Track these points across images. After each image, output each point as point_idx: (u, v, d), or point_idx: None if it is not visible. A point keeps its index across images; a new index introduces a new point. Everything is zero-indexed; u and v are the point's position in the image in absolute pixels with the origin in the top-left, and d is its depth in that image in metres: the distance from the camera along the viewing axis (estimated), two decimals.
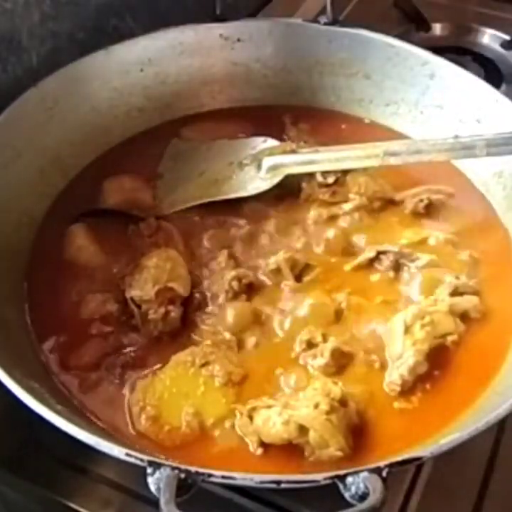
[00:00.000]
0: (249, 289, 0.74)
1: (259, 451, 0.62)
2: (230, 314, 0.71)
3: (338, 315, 0.71)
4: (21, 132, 0.80)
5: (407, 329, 0.67)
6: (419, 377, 0.66)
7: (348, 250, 0.78)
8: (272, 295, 0.74)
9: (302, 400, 0.62)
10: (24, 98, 0.80)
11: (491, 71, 1.07)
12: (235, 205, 0.82)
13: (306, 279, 0.75)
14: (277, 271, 0.75)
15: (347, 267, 0.76)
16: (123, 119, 0.91)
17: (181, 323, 0.71)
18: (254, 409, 0.63)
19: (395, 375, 0.66)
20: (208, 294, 0.74)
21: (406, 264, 0.75)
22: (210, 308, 0.73)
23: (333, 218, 0.81)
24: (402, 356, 0.66)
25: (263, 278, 0.75)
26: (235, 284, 0.73)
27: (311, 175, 0.83)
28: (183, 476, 0.51)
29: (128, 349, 0.70)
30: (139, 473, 0.53)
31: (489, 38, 1.14)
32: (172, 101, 0.94)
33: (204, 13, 0.91)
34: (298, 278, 0.75)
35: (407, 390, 0.66)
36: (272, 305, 0.73)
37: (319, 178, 0.83)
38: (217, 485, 0.61)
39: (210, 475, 0.52)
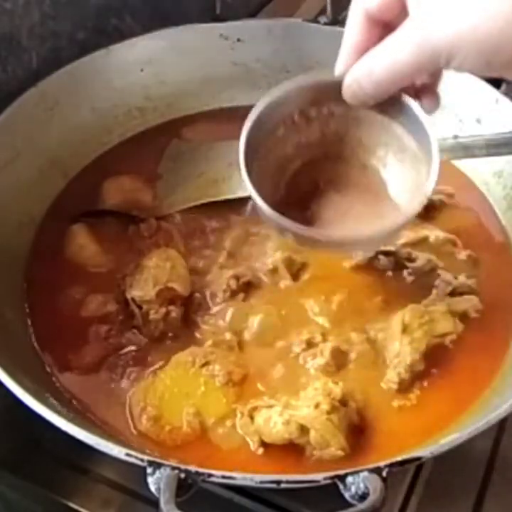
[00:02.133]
0: (248, 288, 0.74)
1: (260, 450, 0.62)
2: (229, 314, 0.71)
3: (337, 314, 0.71)
4: (21, 132, 0.80)
5: (405, 328, 0.67)
6: (417, 376, 0.66)
7: None
8: (270, 294, 0.74)
9: (303, 399, 0.62)
10: (24, 98, 0.80)
11: None
12: (235, 206, 0.82)
13: (304, 278, 0.75)
14: (274, 270, 0.75)
15: (346, 266, 0.76)
16: (123, 119, 0.91)
17: (182, 323, 0.71)
18: (255, 408, 0.63)
19: (393, 373, 0.66)
20: (208, 294, 0.74)
21: (405, 264, 0.75)
22: (210, 308, 0.73)
23: None
24: (400, 355, 0.66)
25: (261, 277, 0.75)
26: (232, 282, 0.73)
27: None
28: (183, 475, 0.51)
29: (128, 349, 0.70)
30: (139, 473, 0.53)
31: None
32: (172, 101, 0.94)
33: (204, 13, 0.91)
34: (296, 277, 0.75)
35: (404, 388, 0.66)
36: (270, 304, 0.73)
37: None
38: (217, 485, 0.61)
39: (210, 475, 0.52)
